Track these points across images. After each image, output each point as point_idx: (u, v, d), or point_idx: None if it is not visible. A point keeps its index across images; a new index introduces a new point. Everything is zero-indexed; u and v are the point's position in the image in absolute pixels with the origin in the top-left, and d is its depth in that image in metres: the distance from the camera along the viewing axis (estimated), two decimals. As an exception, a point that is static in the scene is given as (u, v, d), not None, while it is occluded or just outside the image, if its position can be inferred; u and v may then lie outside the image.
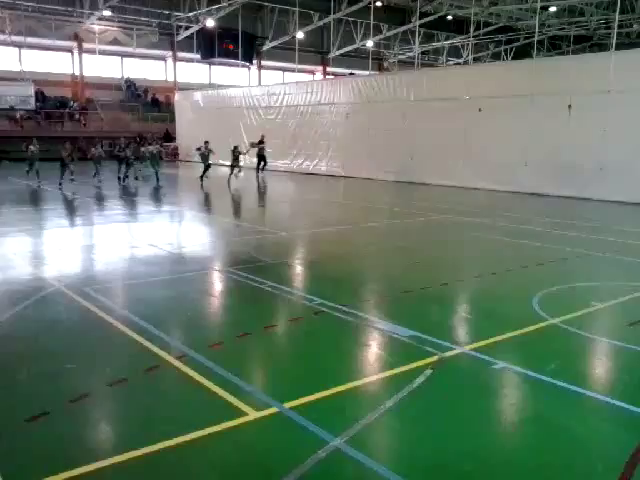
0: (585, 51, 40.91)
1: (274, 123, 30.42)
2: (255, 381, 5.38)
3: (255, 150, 25.59)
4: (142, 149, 23.83)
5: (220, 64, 41.56)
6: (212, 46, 39.45)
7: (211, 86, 39.66)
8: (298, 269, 10.01)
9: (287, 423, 4.44)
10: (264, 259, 10.32)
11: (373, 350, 6.09)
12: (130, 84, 39.48)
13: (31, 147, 21.71)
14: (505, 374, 5.42)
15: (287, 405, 4.63)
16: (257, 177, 25.16)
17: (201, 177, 22.21)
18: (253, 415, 4.49)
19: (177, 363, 5.44)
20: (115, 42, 36.90)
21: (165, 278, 8.77)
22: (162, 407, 4.73)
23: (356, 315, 6.91)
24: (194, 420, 4.41)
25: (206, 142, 22.76)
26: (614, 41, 20.77)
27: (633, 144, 17.74)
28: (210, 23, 36.95)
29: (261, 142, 25.67)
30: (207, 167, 22.30)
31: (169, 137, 36.44)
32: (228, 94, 34.62)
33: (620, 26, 28.85)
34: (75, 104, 36.93)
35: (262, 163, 25.75)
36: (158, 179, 21.91)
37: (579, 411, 4.80)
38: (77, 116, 36.50)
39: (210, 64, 41.61)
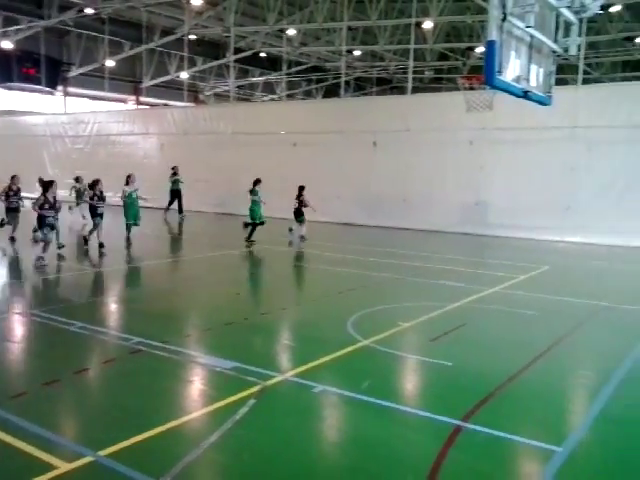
0: (387, 93, 44.80)
1: (82, 153, 28.74)
2: (65, 431, 4.95)
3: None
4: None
5: (20, 89, 38.29)
6: (10, 70, 36.25)
7: (9, 112, 36.36)
8: (112, 307, 9.48)
9: (103, 472, 4.15)
10: (74, 298, 9.62)
11: (195, 386, 5.95)
12: None
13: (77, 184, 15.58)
14: (324, 396, 5.62)
15: (102, 453, 4.32)
16: (165, 217, 21.08)
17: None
18: (65, 467, 4.12)
19: (-30, 420, 4.81)
20: None
21: (-45, 325, 7.75)
22: (-49, 473, 4.14)
23: (176, 351, 6.70)
24: (-8, 483, 3.93)
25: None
26: (410, 85, 23.05)
27: (430, 178, 19.75)
28: (7, 45, 34.01)
29: (175, 174, 21.64)
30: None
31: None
32: (29, 121, 32.03)
33: (415, 72, 32.11)
34: None
35: (176, 200, 21.40)
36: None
37: (392, 424, 5.13)
38: None
39: (8, 89, 38.15)
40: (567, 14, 7.04)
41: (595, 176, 17.34)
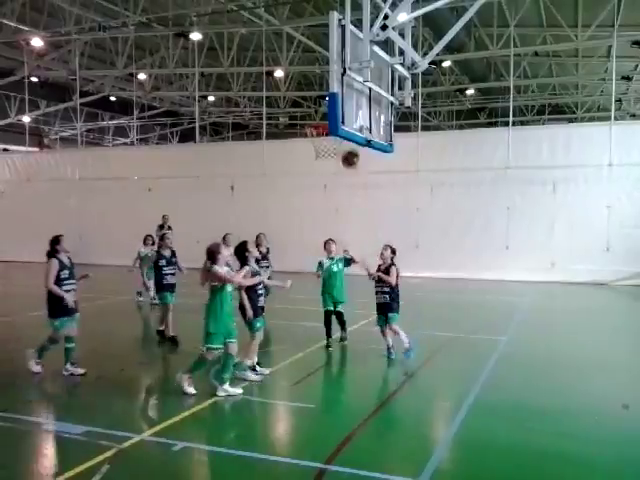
0: (244, 138, 45.29)
1: None
2: None
3: None
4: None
5: None
6: None
7: None
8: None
9: None
10: None
11: (39, 456, 5.41)
12: None
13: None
14: (186, 453, 5.37)
15: None
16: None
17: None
18: None
19: None
20: None
21: None
22: None
23: (17, 420, 6.08)
24: None
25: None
26: (264, 131, 23.54)
27: (286, 220, 20.18)
28: None
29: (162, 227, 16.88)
30: None
31: None
32: None
33: (269, 118, 32.87)
34: None
35: None
36: None
37: (256, 475, 5.01)
38: None
39: None
40: (401, 69, 7.65)
41: (437, 216, 18.77)
